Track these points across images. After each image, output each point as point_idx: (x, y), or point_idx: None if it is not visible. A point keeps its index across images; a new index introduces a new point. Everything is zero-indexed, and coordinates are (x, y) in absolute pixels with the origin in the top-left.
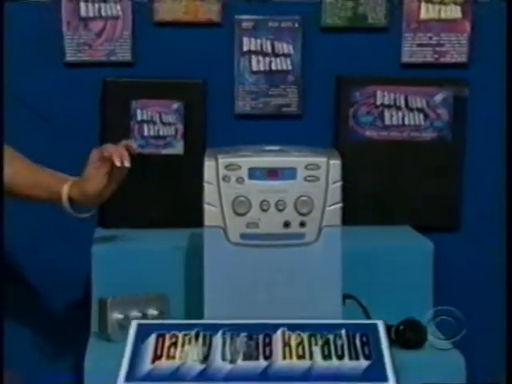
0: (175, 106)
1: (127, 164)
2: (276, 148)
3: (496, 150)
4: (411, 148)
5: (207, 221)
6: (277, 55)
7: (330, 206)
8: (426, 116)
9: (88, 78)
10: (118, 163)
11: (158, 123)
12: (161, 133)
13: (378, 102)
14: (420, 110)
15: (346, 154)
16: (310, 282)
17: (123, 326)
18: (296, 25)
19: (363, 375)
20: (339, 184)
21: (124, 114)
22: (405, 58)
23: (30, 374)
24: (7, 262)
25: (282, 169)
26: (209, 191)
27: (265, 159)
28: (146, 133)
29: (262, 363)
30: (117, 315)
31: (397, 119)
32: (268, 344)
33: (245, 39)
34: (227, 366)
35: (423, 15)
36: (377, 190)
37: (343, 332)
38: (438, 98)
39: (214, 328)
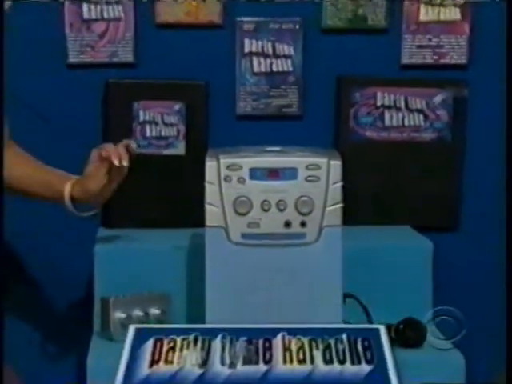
0: (177, 106)
1: (125, 164)
2: (277, 148)
3: (495, 151)
4: (411, 148)
5: (209, 221)
6: (278, 56)
7: (331, 206)
8: (425, 117)
9: (90, 79)
10: (116, 163)
11: (160, 124)
12: (163, 133)
13: (378, 103)
14: (420, 111)
15: (346, 154)
16: (311, 282)
17: (125, 325)
18: (297, 26)
19: (365, 380)
20: (340, 184)
21: (126, 114)
22: (405, 60)
23: (33, 374)
24: (10, 261)
25: (282, 169)
26: (210, 191)
27: (266, 159)
28: (148, 133)
29: (262, 368)
30: (119, 314)
31: (397, 120)
32: (268, 348)
33: (246, 41)
34: (226, 371)
35: (423, 17)
36: (377, 190)
37: (344, 336)
38: (438, 99)
39: (213, 332)
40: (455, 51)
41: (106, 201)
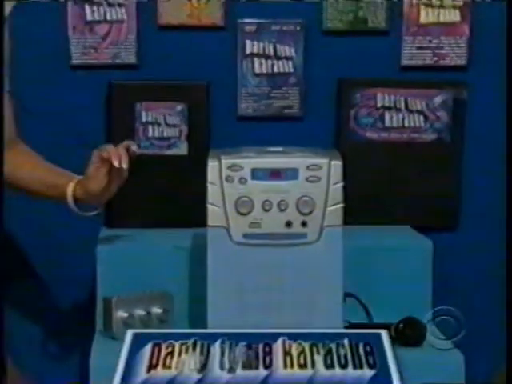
0: (179, 107)
1: (125, 166)
2: (278, 149)
3: (494, 151)
4: (411, 149)
5: (210, 221)
6: (279, 58)
7: (332, 206)
8: (425, 118)
9: (93, 80)
10: (116, 164)
11: (163, 125)
12: (165, 134)
13: (379, 104)
14: (420, 112)
15: (347, 155)
16: (312, 281)
17: (128, 324)
18: (298, 28)
19: None
20: (340, 184)
21: (129, 115)
22: (405, 61)
23: (37, 372)
24: (12, 260)
25: (284, 169)
26: (212, 191)
27: (267, 160)
28: (150, 134)
29: (262, 372)
30: (121, 314)
31: (397, 121)
32: (268, 353)
33: (248, 42)
34: (225, 376)
35: (423, 19)
36: (377, 190)
37: (346, 341)
38: (438, 100)
39: (213, 337)
40: (455, 53)
41: (107, 201)
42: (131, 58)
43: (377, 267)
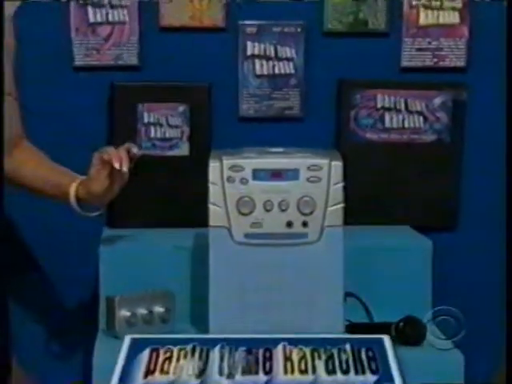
0: (181, 108)
1: (125, 169)
2: (279, 150)
3: (493, 152)
4: (411, 150)
5: (212, 221)
6: (280, 59)
7: (332, 206)
8: (425, 119)
9: (96, 81)
10: (116, 166)
11: (165, 125)
12: (167, 135)
13: (379, 105)
14: (419, 113)
15: (347, 155)
16: (313, 281)
17: (131, 323)
18: (298, 30)
19: None
20: (341, 185)
21: (131, 116)
22: (404, 62)
23: (40, 371)
24: (15, 260)
25: (285, 170)
26: (214, 192)
27: (268, 161)
28: (152, 135)
29: (262, 378)
30: (124, 313)
31: (397, 122)
32: (268, 358)
33: (249, 44)
34: (225, 381)
35: (422, 21)
36: (377, 190)
37: (348, 347)
38: (437, 101)
39: (212, 342)
40: (454, 54)
41: (109, 202)
42: (133, 60)
43: (377, 267)
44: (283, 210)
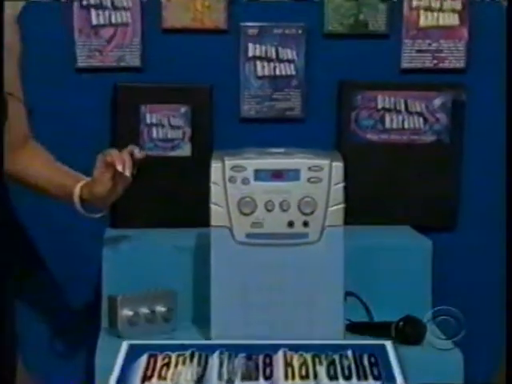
0: (183, 109)
1: (127, 173)
2: (280, 150)
3: (493, 152)
4: (411, 150)
5: (214, 221)
6: (281, 61)
7: (333, 206)
8: (425, 120)
9: (99, 83)
10: (119, 168)
11: (167, 126)
12: (169, 136)
13: (379, 106)
14: (419, 114)
15: (347, 156)
16: (313, 280)
17: (133, 322)
18: (299, 31)
19: None
20: (341, 185)
21: (134, 117)
22: (405, 64)
23: (43, 370)
24: (19, 260)
25: (286, 170)
26: (215, 192)
27: (269, 161)
28: (154, 135)
29: None
30: (126, 312)
31: (397, 123)
32: (268, 364)
33: (250, 45)
34: None
35: (422, 22)
36: (378, 191)
37: (349, 352)
38: (437, 102)
39: (211, 348)
40: (454, 56)
41: (112, 204)
42: (136, 61)
43: (377, 266)
44: (284, 210)
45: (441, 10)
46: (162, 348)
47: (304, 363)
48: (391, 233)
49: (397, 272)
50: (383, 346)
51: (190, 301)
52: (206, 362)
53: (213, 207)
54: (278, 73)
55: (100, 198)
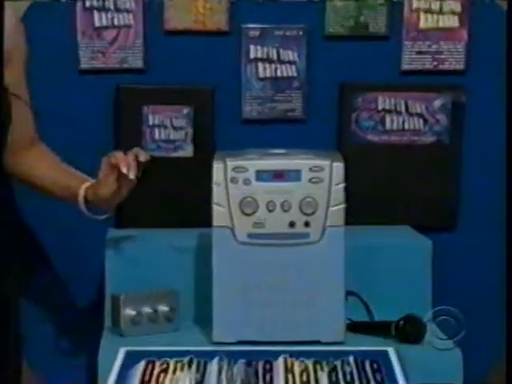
0: (185, 111)
1: (132, 176)
2: (281, 151)
3: (492, 153)
4: (411, 151)
5: (215, 221)
6: (282, 62)
7: (334, 206)
8: (425, 121)
9: (102, 84)
10: (124, 170)
11: (169, 127)
12: (171, 137)
13: (380, 108)
14: (419, 115)
15: (348, 156)
16: (314, 279)
17: (135, 321)
18: (300, 33)
19: None
20: (342, 185)
21: (136, 118)
22: (405, 65)
23: (47, 368)
24: (22, 259)
25: (287, 171)
26: (217, 192)
27: (271, 162)
28: (157, 136)
29: None
30: (129, 311)
31: (397, 124)
32: (269, 370)
33: (252, 47)
34: None
35: (422, 24)
36: (378, 191)
37: (351, 359)
38: (437, 103)
39: (209, 355)
40: (454, 57)
41: (116, 205)
42: (138, 63)
43: (378, 266)
44: (285, 211)
45: (441, 12)
46: (160, 354)
47: (305, 370)
48: (391, 233)
49: (397, 272)
50: (386, 352)
51: (192, 300)
52: (205, 369)
53: (215, 207)
54: (279, 74)
55: (104, 199)
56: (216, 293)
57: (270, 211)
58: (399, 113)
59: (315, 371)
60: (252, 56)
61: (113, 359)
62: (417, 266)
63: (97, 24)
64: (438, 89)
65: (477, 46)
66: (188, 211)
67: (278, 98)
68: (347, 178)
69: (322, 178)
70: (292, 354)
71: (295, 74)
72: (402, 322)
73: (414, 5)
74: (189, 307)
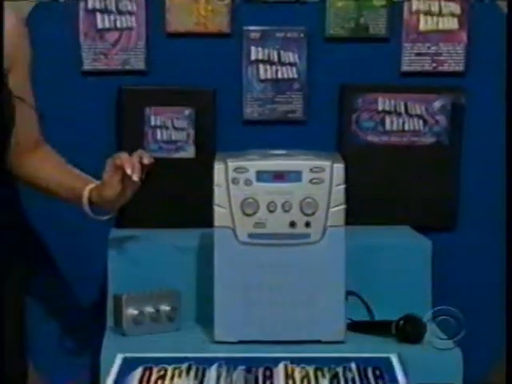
0: (187, 112)
1: (136, 178)
2: (282, 152)
3: (491, 154)
4: (411, 152)
5: (217, 221)
6: (283, 64)
7: (334, 207)
8: (424, 122)
9: (104, 85)
10: (128, 171)
11: (171, 128)
12: (173, 137)
13: (380, 109)
14: (419, 116)
15: (348, 157)
16: (315, 279)
17: (138, 321)
18: (301, 35)
19: None
20: (342, 186)
21: (138, 119)
22: (405, 67)
23: (50, 368)
24: (25, 259)
25: (288, 172)
26: (218, 193)
27: (272, 163)
28: (159, 137)
29: None
30: (131, 311)
31: (397, 125)
32: (269, 377)
33: (253, 49)
34: None
35: (422, 26)
36: (378, 191)
37: (353, 365)
38: (437, 104)
39: (208, 361)
40: (453, 59)
41: (121, 207)
42: (140, 65)
43: (378, 266)
44: (286, 211)
45: (440, 14)
46: (158, 361)
47: (306, 376)
48: (391, 233)
49: (397, 272)
50: (388, 359)
51: (193, 300)
52: (203, 375)
53: (216, 208)
54: (280, 76)
55: (109, 201)
56: (217, 292)
57: (270, 212)
58: (399, 114)
59: (316, 378)
60: (253, 58)
61: (115, 359)
62: (417, 266)
63: (99, 26)
64: (437, 90)
65: (476, 47)
66: (190, 211)
67: (278, 100)
68: (347, 178)
69: (322, 178)
70: (293, 361)
71: (296, 76)
72: (402, 322)
73: (414, 7)
74: (190, 307)
